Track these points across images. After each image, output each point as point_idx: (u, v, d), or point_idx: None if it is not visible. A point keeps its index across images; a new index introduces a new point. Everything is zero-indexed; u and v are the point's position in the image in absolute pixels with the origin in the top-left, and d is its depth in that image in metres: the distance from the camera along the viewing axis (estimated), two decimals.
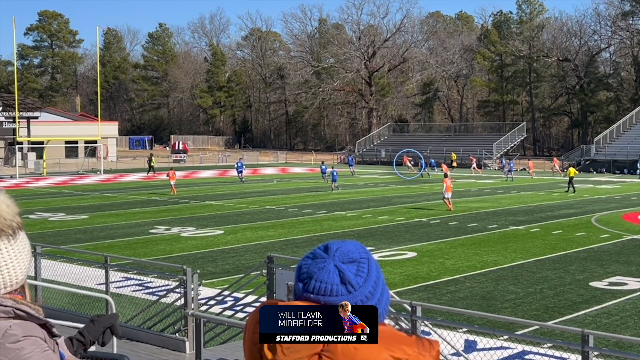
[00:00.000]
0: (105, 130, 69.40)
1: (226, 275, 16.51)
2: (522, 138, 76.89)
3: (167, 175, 40.32)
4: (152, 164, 56.27)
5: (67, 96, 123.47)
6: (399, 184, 46.21)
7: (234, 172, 58.52)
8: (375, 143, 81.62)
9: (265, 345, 1.57)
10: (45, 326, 1.96)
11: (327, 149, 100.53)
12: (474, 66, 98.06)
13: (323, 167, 50.17)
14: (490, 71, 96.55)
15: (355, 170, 55.50)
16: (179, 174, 50.42)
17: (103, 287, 12.07)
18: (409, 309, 8.46)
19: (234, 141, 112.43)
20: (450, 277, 16.48)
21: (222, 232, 24.03)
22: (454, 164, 62.41)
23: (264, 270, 10.77)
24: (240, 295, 11.98)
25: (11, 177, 52.51)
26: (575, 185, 39.16)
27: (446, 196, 30.18)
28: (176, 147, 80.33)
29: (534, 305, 13.90)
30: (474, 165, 58.07)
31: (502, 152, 69.82)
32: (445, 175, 32.27)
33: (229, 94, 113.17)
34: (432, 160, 60.02)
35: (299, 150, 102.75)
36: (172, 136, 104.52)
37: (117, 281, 14.61)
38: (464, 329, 11.05)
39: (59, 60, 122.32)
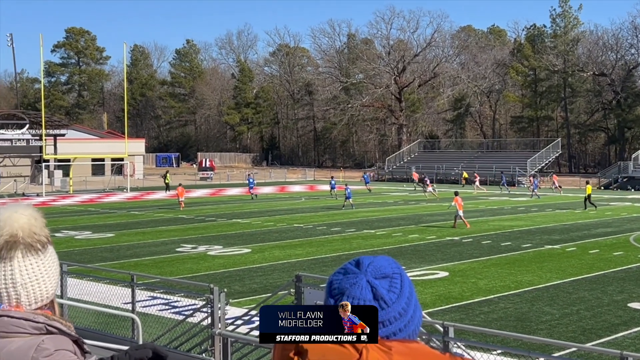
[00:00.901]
0: (132, 148, 69.80)
1: (253, 295, 16.25)
2: (557, 155, 75.92)
3: (176, 190, 41.41)
4: (166, 180, 56.65)
5: (93, 113, 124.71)
6: (430, 201, 45.74)
7: (261, 190, 58.58)
8: (405, 160, 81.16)
9: None
10: (77, 342, 1.98)
11: (356, 166, 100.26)
12: (507, 81, 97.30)
13: (332, 182, 50.13)
14: (523, 86, 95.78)
15: (371, 188, 55.10)
16: (205, 191, 50.81)
17: (129, 306, 11.90)
18: (441, 329, 8.27)
19: (261, 158, 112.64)
20: (484, 298, 16.07)
21: (249, 250, 23.79)
22: (463, 182, 62.00)
23: (292, 290, 10.52)
24: None
25: (37, 195, 52.88)
26: (596, 203, 38.81)
27: (459, 214, 29.61)
28: (203, 165, 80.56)
29: (571, 326, 13.50)
30: (477, 182, 57.45)
31: (536, 169, 68.96)
32: (456, 194, 31.55)
33: (256, 111, 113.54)
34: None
35: (327, 167, 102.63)
36: (199, 153, 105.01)
37: (143, 300, 14.40)
38: (498, 351, 10.73)
39: (86, 78, 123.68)
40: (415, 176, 57.72)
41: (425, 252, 22.97)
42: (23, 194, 54.51)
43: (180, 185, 42.81)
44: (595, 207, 38.12)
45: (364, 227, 30.30)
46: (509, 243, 25.01)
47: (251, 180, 49.96)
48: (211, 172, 77.44)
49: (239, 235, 28.08)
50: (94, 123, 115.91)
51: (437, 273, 19.06)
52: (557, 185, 53.53)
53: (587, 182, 41.95)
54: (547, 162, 72.34)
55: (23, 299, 1.99)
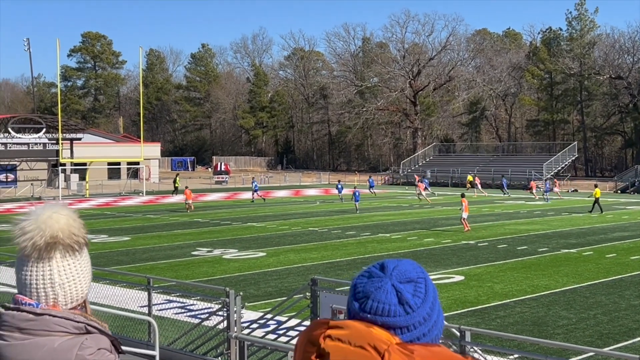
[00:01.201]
0: (148, 152, 70.05)
1: (269, 298, 16.27)
2: (573, 158, 75.47)
3: (184, 194, 42.88)
4: (176, 184, 56.94)
5: (109, 117, 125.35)
6: (445, 205, 45.61)
7: (276, 194, 58.65)
8: (420, 164, 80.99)
9: None
10: (113, 343, 2.03)
11: (371, 169, 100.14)
12: (523, 84, 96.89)
13: (339, 185, 50.28)
14: (539, 89, 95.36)
15: (375, 192, 55.06)
16: (221, 195, 50.99)
17: (146, 310, 11.94)
18: (458, 334, 8.24)
19: (276, 162, 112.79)
20: (500, 302, 16.00)
21: (264, 254, 23.82)
22: (468, 185, 61.97)
23: (307, 293, 10.51)
24: (283, 318, 11.71)
25: (54, 198, 53.10)
26: (612, 206, 38.78)
27: (464, 216, 29.59)
28: (218, 168, 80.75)
29: (588, 331, 13.42)
30: (479, 185, 57.14)
31: (552, 173, 68.60)
32: (463, 195, 31.56)
33: (271, 115, 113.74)
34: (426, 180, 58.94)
35: (342, 171, 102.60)
36: (214, 157, 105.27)
37: (159, 303, 14.44)
38: (515, 356, 10.72)
39: (102, 82, 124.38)
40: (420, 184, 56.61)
41: (440, 256, 22.91)
42: (39, 198, 54.84)
43: (187, 187, 44.19)
44: (602, 211, 37.99)
45: (379, 230, 30.25)
46: (525, 247, 24.90)
47: (255, 184, 50.83)
48: (226, 175, 77.60)
49: (254, 238, 28.11)
50: (110, 127, 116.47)
51: (452, 277, 19.00)
52: (556, 190, 53.45)
53: (596, 186, 41.86)
54: (563, 165, 71.92)
55: (60, 298, 2.03)
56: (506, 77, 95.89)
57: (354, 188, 43.41)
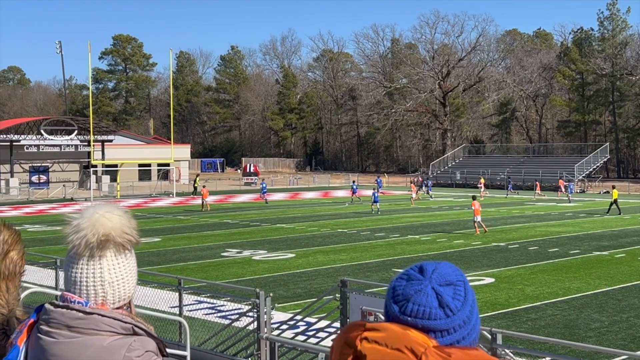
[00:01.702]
0: (178, 153, 70.50)
1: (298, 300, 16.29)
2: (605, 159, 74.50)
3: (201, 192, 45.05)
4: (195, 185, 57.36)
5: (140, 119, 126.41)
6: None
7: (305, 195, 58.73)
8: (450, 165, 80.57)
9: None
10: (159, 345, 2.03)
11: (400, 171, 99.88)
12: (554, 85, 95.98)
13: (354, 185, 50.35)
14: (570, 90, 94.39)
15: (384, 192, 55.09)
16: (250, 196, 51.28)
17: (176, 310, 12.02)
18: (489, 336, 8.19)
19: (305, 163, 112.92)
20: (531, 304, 15.87)
21: (293, 255, 23.86)
22: (481, 186, 61.86)
23: (337, 295, 10.52)
24: (313, 319, 11.72)
25: (86, 200, 53.67)
26: (621, 207, 38.78)
27: (476, 220, 29.28)
28: (247, 170, 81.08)
29: (620, 334, 13.26)
30: (482, 187, 56.68)
31: (584, 175, 67.85)
32: (474, 198, 31.17)
33: (300, 116, 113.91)
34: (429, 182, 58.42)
35: (370, 172, 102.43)
36: (243, 159, 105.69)
37: (189, 304, 14.53)
38: (547, 358, 10.59)
39: (133, 84, 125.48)
40: (420, 180, 55.61)
41: (470, 258, 22.78)
42: (71, 199, 55.47)
43: (204, 187, 46.18)
44: (620, 212, 37.91)
45: (408, 232, 30.15)
46: (556, 249, 24.66)
47: (264, 186, 51.52)
48: (255, 177, 77.87)
49: (283, 240, 28.18)
50: (140, 129, 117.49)
51: (483, 279, 18.88)
52: (562, 190, 53.04)
53: (614, 187, 41.64)
54: (595, 167, 71.06)
55: (109, 297, 2.04)
56: (537, 77, 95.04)
57: (373, 189, 43.52)
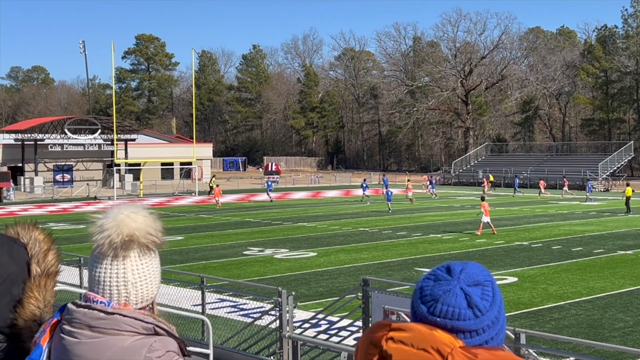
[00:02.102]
0: (200, 152, 70.82)
1: (320, 298, 16.30)
2: (630, 158, 73.78)
3: (213, 190, 47.08)
4: (211, 184, 57.75)
5: (163, 118, 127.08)
6: (497, 205, 45.08)
7: (326, 194, 58.75)
8: (472, 163, 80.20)
9: None
10: (180, 345, 2.03)
11: (422, 169, 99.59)
12: (577, 83, 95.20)
13: (364, 184, 50.44)
14: (594, 88, 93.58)
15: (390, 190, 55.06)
16: (272, 195, 51.44)
17: (199, 308, 12.05)
18: (512, 336, 8.14)
19: (326, 162, 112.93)
20: (554, 304, 15.75)
21: (315, 254, 23.87)
22: (489, 185, 61.98)
23: (359, 294, 10.49)
24: (335, 318, 11.71)
25: (109, 198, 54.01)
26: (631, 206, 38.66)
27: (485, 221, 28.89)
28: (269, 169, 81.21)
29: None
30: (485, 185, 56.38)
31: (608, 173, 67.22)
32: (483, 199, 30.73)
33: (321, 115, 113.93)
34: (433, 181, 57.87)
35: (392, 171, 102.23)
36: (265, 157, 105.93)
37: (212, 302, 14.56)
38: (571, 358, 10.48)
39: (156, 83, 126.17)
40: (426, 179, 55.11)
41: (493, 257, 22.66)
42: (95, 198, 55.89)
43: (217, 186, 48.39)
44: (629, 211, 37.77)
45: (430, 231, 30.05)
46: (580, 248, 24.46)
47: (269, 184, 52.25)
48: (277, 175, 77.98)
49: (305, 238, 28.20)
50: (163, 128, 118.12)
51: (505, 278, 18.77)
52: (566, 189, 53.10)
53: (627, 185, 41.48)
54: (619, 165, 70.39)
55: (132, 297, 2.04)
56: (560, 75, 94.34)
57: (386, 187, 43.80)
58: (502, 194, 56.37)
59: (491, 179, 63.89)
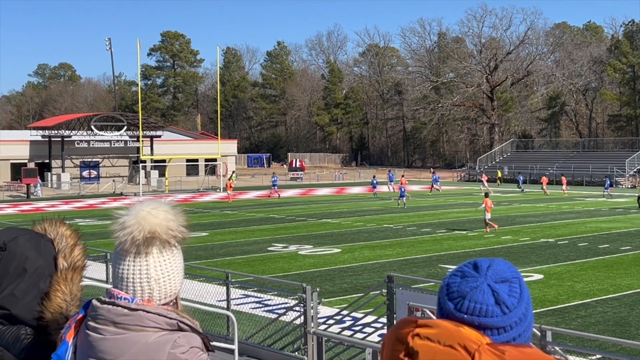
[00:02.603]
0: (225, 149, 71.09)
1: (344, 295, 16.30)
2: None
3: (225, 185, 49.38)
4: (230, 179, 58.15)
5: (188, 115, 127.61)
6: (523, 202, 44.78)
7: (350, 190, 58.68)
8: (497, 160, 79.71)
9: None
10: (204, 340, 2.03)
11: (447, 166, 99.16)
12: (604, 79, 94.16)
13: (374, 181, 50.53)
14: (621, 84, 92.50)
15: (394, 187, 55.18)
16: (295, 191, 51.65)
17: (224, 304, 12.10)
18: (538, 333, 8.10)
19: (350, 158, 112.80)
20: (580, 301, 15.62)
21: (339, 250, 23.87)
22: (499, 182, 62.64)
23: (383, 290, 10.48)
24: (359, 315, 11.71)
25: (135, 194, 54.40)
26: None
27: (487, 217, 28.43)
28: (293, 165, 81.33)
29: None
30: (484, 181, 56.12)
31: (635, 170, 66.46)
32: (486, 195, 30.11)
33: (345, 111, 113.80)
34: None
35: (417, 167, 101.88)
36: (289, 154, 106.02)
37: (236, 298, 14.61)
38: (597, 356, 10.47)
39: (181, 80, 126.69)
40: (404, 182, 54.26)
41: (518, 254, 22.50)
42: (121, 194, 56.33)
43: (229, 179, 50.87)
44: None
45: (455, 227, 29.92)
46: (606, 245, 24.21)
47: (275, 180, 53.06)
48: (301, 172, 78.06)
49: (329, 235, 28.20)
50: (188, 124, 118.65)
51: (531, 275, 18.64)
52: (565, 187, 53.04)
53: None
54: None
55: (155, 293, 2.05)
56: (587, 71, 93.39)
57: (400, 184, 44.13)
58: (516, 191, 55.88)
59: (499, 175, 64.36)
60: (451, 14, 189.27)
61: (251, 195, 54.33)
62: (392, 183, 54.12)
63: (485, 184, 55.02)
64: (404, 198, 40.68)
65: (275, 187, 52.28)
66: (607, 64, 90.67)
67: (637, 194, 40.62)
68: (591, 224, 31.06)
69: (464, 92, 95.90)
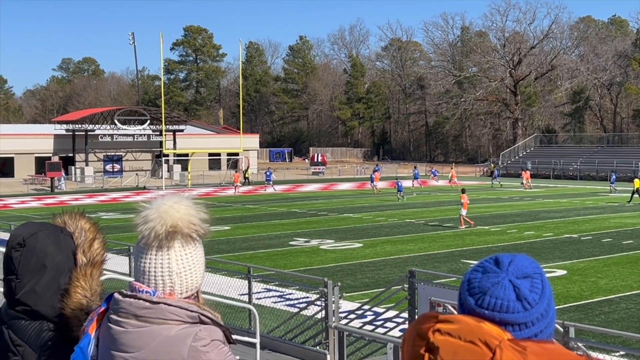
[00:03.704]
0: (247, 143, 71.22)
1: (365, 289, 16.31)
2: None
3: (232, 177, 51.64)
4: (246, 175, 58.34)
5: (210, 109, 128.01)
6: (546, 197, 44.48)
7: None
8: (520, 155, 79.18)
9: (426, 359, 1.48)
10: (225, 333, 2.06)
11: (469, 161, 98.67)
12: (629, 73, 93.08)
13: (373, 175, 50.75)
14: None
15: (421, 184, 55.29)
16: (317, 186, 51.74)
17: (245, 298, 12.15)
18: (561, 329, 8.06)
19: (372, 153, 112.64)
20: (604, 297, 15.51)
21: (360, 245, 23.86)
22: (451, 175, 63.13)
23: (405, 285, 10.48)
24: (380, 309, 11.72)
25: (158, 188, 54.67)
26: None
27: (462, 213, 28.25)
28: (315, 159, 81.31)
29: None
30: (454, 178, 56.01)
31: None
32: (463, 191, 29.87)
33: (368, 106, 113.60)
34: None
35: (439, 162, 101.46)
36: (311, 148, 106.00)
37: (258, 292, 14.67)
38: (621, 353, 10.36)
39: (203, 75, 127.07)
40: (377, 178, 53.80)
41: (542, 250, 22.35)
42: (144, 188, 56.65)
43: (236, 172, 52.81)
44: (631, 199, 39.12)
45: (477, 223, 29.74)
46: (631, 241, 23.98)
47: (269, 174, 53.24)
48: (323, 166, 78.02)
49: (351, 229, 28.20)
50: (210, 119, 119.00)
51: (554, 271, 18.51)
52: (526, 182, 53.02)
53: (637, 177, 43.23)
54: None
55: (177, 287, 2.07)
56: (611, 65, 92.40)
57: (396, 179, 44.92)
58: (599, 187, 55.47)
59: (492, 167, 64.84)
60: (474, 7, 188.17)
61: (271, 189, 54.40)
62: (418, 180, 53.92)
63: (454, 178, 54.94)
64: (401, 192, 41.48)
65: (270, 182, 52.36)
66: (632, 58, 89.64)
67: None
68: (615, 219, 30.78)
69: (487, 87, 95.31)
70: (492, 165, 68.49)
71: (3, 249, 2.56)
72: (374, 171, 53.60)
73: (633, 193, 40.03)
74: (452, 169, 58.30)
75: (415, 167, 58.09)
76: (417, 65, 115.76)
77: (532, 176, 66.15)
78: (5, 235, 15.83)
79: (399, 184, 42.07)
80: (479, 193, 47.67)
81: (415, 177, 53.66)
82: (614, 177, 49.91)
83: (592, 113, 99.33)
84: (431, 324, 1.50)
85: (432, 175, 59.41)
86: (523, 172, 55.90)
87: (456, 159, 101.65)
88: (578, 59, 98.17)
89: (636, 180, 40.89)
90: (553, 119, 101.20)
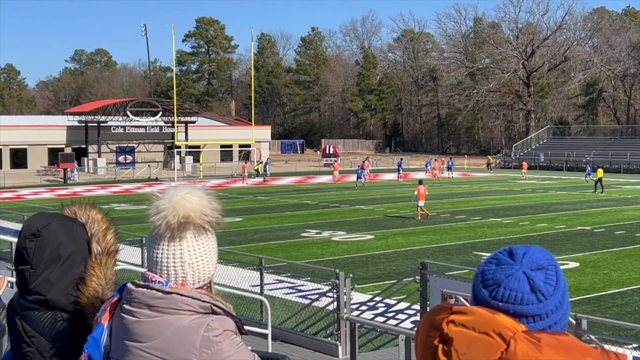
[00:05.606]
0: (259, 135, 71.25)
1: (377, 281, 16.31)
2: None
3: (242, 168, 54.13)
4: (256, 168, 58.68)
5: (222, 101, 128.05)
6: (559, 190, 44.30)
7: (384, 177, 58.50)
8: (533, 147, 78.89)
9: (440, 350, 1.48)
10: (237, 324, 2.05)
11: (481, 152, 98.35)
12: None
13: (360, 170, 50.92)
14: None
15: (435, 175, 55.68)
16: (329, 177, 51.67)
17: (257, 289, 12.17)
18: (574, 322, 8.03)
19: (384, 145, 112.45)
20: (617, 290, 15.46)
21: (372, 237, 23.86)
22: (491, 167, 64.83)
23: (417, 277, 10.47)
24: (392, 301, 11.72)
25: (170, 180, 54.78)
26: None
27: (420, 204, 28.40)
28: (327, 151, 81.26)
29: None
30: (437, 170, 56.91)
31: None
32: (420, 182, 29.83)
33: (379, 97, 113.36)
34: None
35: (451, 154, 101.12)
36: (322, 140, 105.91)
37: (270, 283, 14.69)
38: (633, 345, 10.27)
39: (215, 66, 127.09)
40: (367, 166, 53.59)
41: (554, 242, 22.28)
42: (156, 179, 56.84)
43: (245, 163, 54.23)
44: (595, 189, 40.83)
45: (490, 215, 29.71)
46: None
47: (266, 163, 55.18)
48: (334, 158, 77.92)
49: (362, 221, 28.19)
50: (222, 110, 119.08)
51: (567, 264, 18.45)
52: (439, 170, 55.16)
53: (599, 167, 45.46)
54: None
55: (189, 278, 2.07)
56: (625, 57, 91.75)
57: (359, 167, 48.88)
58: (613, 180, 55.22)
59: (490, 160, 64.54)
60: None
61: (285, 181, 54.47)
62: (430, 167, 54.46)
63: (437, 170, 56.33)
64: (361, 179, 44.92)
65: (266, 171, 54.27)
66: None
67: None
68: (628, 211, 30.63)
69: (500, 78, 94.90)
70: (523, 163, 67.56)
71: (16, 240, 2.57)
72: (364, 161, 54.79)
73: (596, 182, 41.39)
74: (435, 161, 58.98)
75: (430, 159, 59.25)
76: (429, 56, 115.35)
77: (544, 168, 66.39)
78: (19, 226, 15.92)
79: (360, 170, 45.43)
80: (491, 185, 47.51)
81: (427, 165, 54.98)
82: (589, 169, 51.20)
83: (605, 105, 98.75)
84: (445, 315, 1.50)
85: (426, 167, 60.95)
86: (524, 163, 58.14)
87: (468, 150, 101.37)
88: (591, 50, 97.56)
89: (599, 170, 42.50)
90: (566, 111, 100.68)
